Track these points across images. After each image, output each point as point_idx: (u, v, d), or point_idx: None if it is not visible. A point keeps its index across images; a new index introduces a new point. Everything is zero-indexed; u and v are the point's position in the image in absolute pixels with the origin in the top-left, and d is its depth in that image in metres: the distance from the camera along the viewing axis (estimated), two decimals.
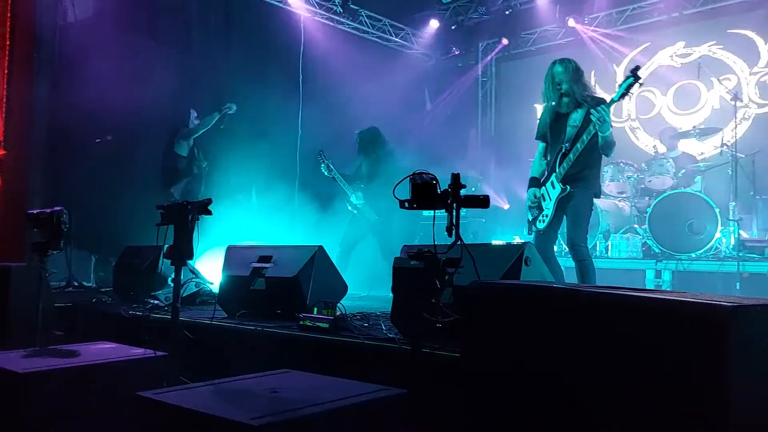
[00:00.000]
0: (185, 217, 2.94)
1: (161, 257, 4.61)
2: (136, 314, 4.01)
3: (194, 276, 4.61)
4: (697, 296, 1.40)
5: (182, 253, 2.93)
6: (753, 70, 7.88)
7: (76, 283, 5.57)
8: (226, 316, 3.85)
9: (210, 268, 4.98)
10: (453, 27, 9.86)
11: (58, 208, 3.61)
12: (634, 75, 3.99)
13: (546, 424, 1.67)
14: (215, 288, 4.31)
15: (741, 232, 6.17)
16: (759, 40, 7.82)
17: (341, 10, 8.70)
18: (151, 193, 6.09)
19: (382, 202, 6.03)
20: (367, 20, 9.18)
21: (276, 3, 7.96)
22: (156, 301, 4.24)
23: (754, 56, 7.86)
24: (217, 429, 1.75)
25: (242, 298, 3.85)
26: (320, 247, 3.82)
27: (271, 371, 2.48)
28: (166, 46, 6.41)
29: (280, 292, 3.72)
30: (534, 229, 4.47)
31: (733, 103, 6.51)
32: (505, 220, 8.51)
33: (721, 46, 8.09)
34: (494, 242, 7.02)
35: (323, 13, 8.59)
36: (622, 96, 4.05)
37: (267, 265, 3.84)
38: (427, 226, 7.30)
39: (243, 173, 6.72)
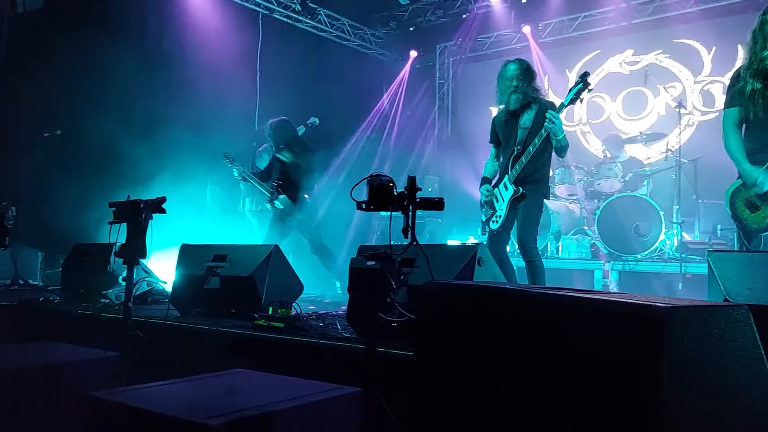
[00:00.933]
0: (138, 215, 2.90)
1: (112, 255, 4.52)
2: (85, 313, 3.92)
3: (146, 275, 4.53)
4: (635, 297, 1.48)
5: (135, 251, 2.90)
6: (697, 79, 8.21)
7: (21, 281, 5.41)
8: (180, 315, 3.81)
9: (163, 267, 4.91)
10: (411, 29, 9.95)
11: (4, 204, 3.51)
12: (583, 81, 4.08)
13: (494, 422, 1.73)
14: (168, 287, 4.26)
15: (684, 234, 6.43)
16: (703, 50, 8.15)
17: (300, 8, 8.66)
18: (103, 190, 5.95)
19: (305, 199, 5.76)
20: (325, 19, 9.18)
21: None
22: (106, 300, 4.16)
23: (698, 65, 8.19)
24: (172, 429, 1.75)
25: (196, 297, 3.82)
26: (276, 247, 3.82)
27: (226, 371, 2.48)
28: (119, 38, 6.27)
29: (235, 291, 3.70)
30: (487, 229, 4.56)
31: (677, 110, 6.77)
32: (461, 220, 8.64)
33: (668, 55, 8.41)
34: (450, 242, 7.14)
35: (281, 11, 8.54)
36: (572, 101, 4.13)
37: (222, 264, 3.82)
38: (385, 225, 7.34)
39: (197, 171, 6.63)
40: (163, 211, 2.97)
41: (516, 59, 4.47)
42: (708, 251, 2.65)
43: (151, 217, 2.94)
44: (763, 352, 1.47)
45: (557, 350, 1.55)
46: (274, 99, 7.71)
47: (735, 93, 3.54)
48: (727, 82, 3.69)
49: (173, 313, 3.81)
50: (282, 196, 5.75)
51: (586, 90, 4.09)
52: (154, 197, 2.98)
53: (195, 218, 6.41)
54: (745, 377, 1.45)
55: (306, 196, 5.75)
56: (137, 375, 2.81)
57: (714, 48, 8.02)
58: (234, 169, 5.88)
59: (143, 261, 3.87)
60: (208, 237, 6.28)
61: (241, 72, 7.56)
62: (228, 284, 3.74)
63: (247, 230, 6.60)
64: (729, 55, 7.25)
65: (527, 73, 4.38)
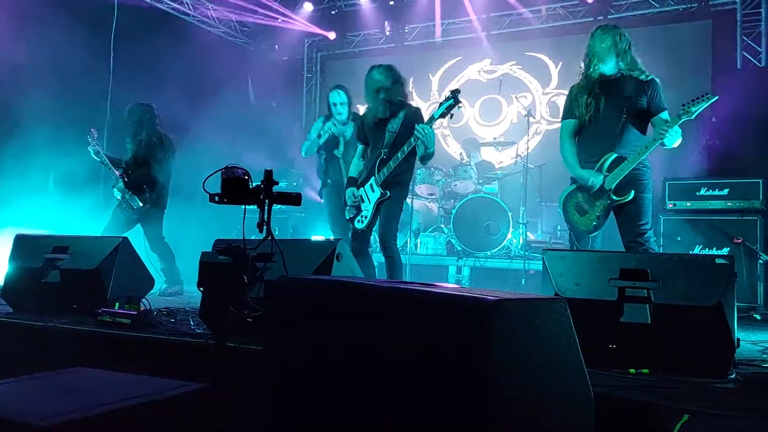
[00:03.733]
0: None
1: None
2: None
3: None
4: (472, 291, 1.60)
5: None
6: (545, 91, 8.91)
7: None
8: (12, 311, 3.53)
9: None
10: (279, 20, 9.82)
11: None
12: (454, 97, 4.23)
13: (342, 412, 1.78)
14: None
15: (528, 234, 6.95)
16: (551, 64, 8.86)
17: None
18: None
19: (147, 190, 5.48)
20: (188, 2, 8.80)
21: None
22: None
23: (546, 78, 8.89)
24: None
25: (32, 291, 3.56)
26: (125, 239, 3.65)
27: (63, 369, 2.32)
28: None
29: (78, 285, 3.49)
30: (351, 228, 4.65)
31: (527, 118, 7.30)
32: (326, 215, 8.66)
33: (521, 67, 9.04)
34: (313, 237, 7.16)
35: None
36: (443, 115, 4.27)
37: (63, 256, 3.58)
38: (247, 220, 7.19)
39: (39, 155, 6.09)
40: None
41: (383, 67, 4.49)
42: (543, 249, 2.89)
43: None
44: (577, 340, 1.65)
45: (405, 339, 1.64)
46: (129, 83, 7.26)
47: (570, 106, 3.90)
48: None
49: (5, 308, 3.52)
50: (120, 185, 5.45)
51: (456, 107, 4.28)
52: None
53: (34, 206, 5.89)
54: (562, 361, 1.63)
55: (153, 187, 5.48)
56: None
57: (560, 63, 8.74)
58: (90, 148, 5.50)
59: None
60: (51, 227, 5.79)
61: (91, 52, 7.03)
62: (69, 278, 3.51)
63: (98, 220, 6.16)
64: (573, 70, 7.81)
65: (395, 81, 4.46)
